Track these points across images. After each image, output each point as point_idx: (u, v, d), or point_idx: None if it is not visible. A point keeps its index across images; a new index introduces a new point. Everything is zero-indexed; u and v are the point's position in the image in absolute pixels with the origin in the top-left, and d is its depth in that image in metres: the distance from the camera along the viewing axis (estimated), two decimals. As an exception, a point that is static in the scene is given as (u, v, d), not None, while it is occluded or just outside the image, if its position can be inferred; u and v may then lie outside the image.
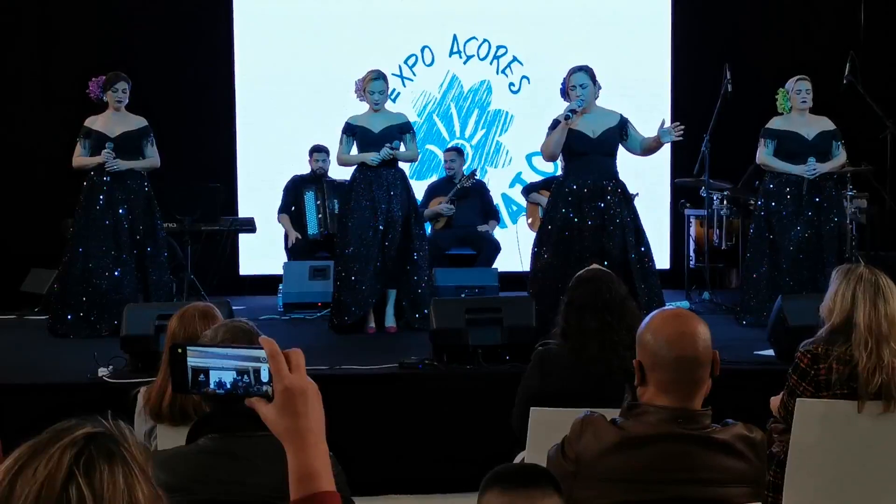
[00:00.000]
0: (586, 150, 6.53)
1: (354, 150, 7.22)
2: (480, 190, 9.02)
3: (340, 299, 7.14)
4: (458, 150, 9.13)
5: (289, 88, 9.61)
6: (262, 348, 1.54)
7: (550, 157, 6.90)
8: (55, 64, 9.33)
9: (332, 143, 7.68)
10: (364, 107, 7.26)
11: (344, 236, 7.20)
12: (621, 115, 6.69)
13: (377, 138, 7.11)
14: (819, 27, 9.74)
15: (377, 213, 7.07)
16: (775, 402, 3.84)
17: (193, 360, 1.53)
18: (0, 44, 9.37)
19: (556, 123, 6.58)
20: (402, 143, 7.20)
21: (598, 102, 6.70)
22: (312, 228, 8.69)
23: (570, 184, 6.57)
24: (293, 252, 8.71)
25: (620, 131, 6.63)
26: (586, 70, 6.61)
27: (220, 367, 1.53)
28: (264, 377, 1.54)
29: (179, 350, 1.54)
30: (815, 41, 9.62)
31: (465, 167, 9.01)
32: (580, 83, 6.53)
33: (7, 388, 5.59)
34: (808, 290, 6.94)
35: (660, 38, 9.77)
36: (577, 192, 6.52)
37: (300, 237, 8.66)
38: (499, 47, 9.81)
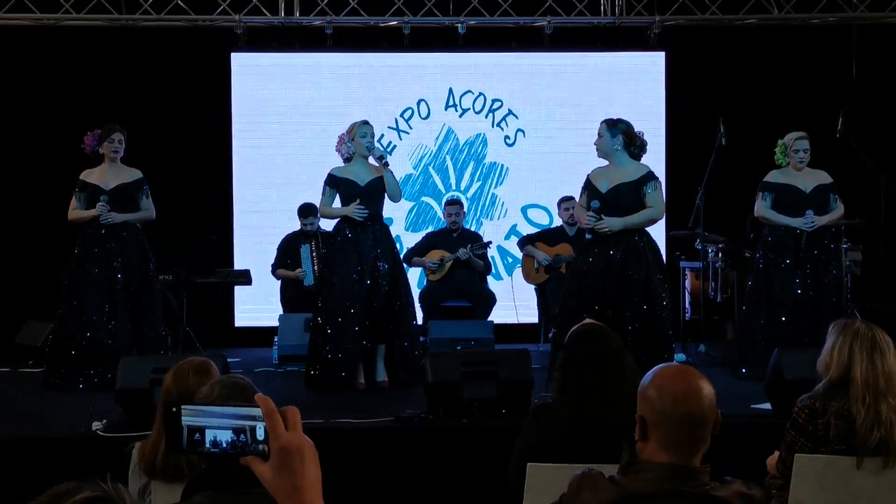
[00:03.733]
0: (600, 204, 6.58)
1: (337, 203, 7.12)
2: (476, 240, 9.02)
3: (320, 355, 6.95)
4: (460, 203, 9.12)
5: (285, 141, 9.67)
6: (257, 406, 1.53)
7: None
8: (51, 116, 9.37)
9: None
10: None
11: (329, 290, 7.01)
12: (647, 172, 6.64)
13: (363, 191, 7.02)
14: (812, 81, 9.83)
15: (364, 267, 6.95)
16: (771, 461, 3.82)
17: (189, 419, 1.51)
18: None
19: (587, 184, 6.71)
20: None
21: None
22: (308, 279, 8.69)
23: (588, 235, 6.63)
24: (289, 304, 8.71)
25: (638, 186, 6.59)
26: (605, 121, 6.73)
27: (216, 425, 1.52)
28: (260, 435, 1.52)
29: (174, 409, 1.52)
30: (808, 95, 9.69)
31: (463, 219, 9.05)
32: (598, 132, 6.71)
33: (0, 442, 5.55)
34: (805, 342, 6.94)
35: (654, 91, 9.84)
36: (591, 243, 6.59)
37: (303, 271, 8.66)
38: (494, 100, 9.87)
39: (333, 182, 7.10)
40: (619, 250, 6.51)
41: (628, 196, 6.56)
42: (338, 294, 6.94)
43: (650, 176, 6.62)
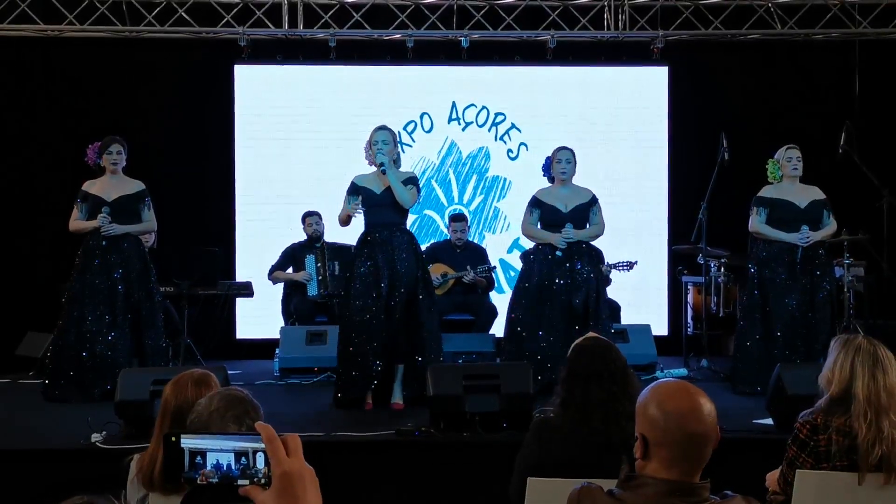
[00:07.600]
0: (558, 222, 7.17)
1: None
2: (480, 255, 9.02)
3: (344, 372, 6.73)
4: (465, 219, 9.09)
5: (288, 153, 9.67)
6: (257, 434, 1.52)
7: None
8: (55, 128, 9.39)
9: (331, 208, 7.58)
10: (371, 170, 6.90)
11: (347, 304, 6.81)
12: (593, 195, 7.30)
13: (379, 200, 6.75)
14: (815, 97, 9.84)
15: (381, 279, 6.64)
16: (772, 477, 3.80)
17: (189, 443, 1.50)
18: (1, 107, 9.46)
19: (534, 202, 7.26)
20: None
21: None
22: (312, 290, 8.68)
23: (546, 250, 7.22)
24: (293, 315, 8.69)
25: (589, 208, 7.24)
26: (571, 150, 7.27)
27: (217, 448, 1.51)
28: (260, 463, 1.52)
29: (173, 438, 1.51)
30: (811, 111, 9.71)
31: (468, 234, 9.04)
32: (566, 158, 7.22)
33: (0, 454, 5.54)
34: (801, 358, 6.95)
35: (657, 106, 9.84)
36: (550, 258, 7.16)
37: (309, 275, 8.66)
38: (497, 114, 9.88)
39: (354, 190, 6.81)
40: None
41: (584, 216, 7.30)
42: (356, 309, 6.67)
43: (595, 198, 7.31)
